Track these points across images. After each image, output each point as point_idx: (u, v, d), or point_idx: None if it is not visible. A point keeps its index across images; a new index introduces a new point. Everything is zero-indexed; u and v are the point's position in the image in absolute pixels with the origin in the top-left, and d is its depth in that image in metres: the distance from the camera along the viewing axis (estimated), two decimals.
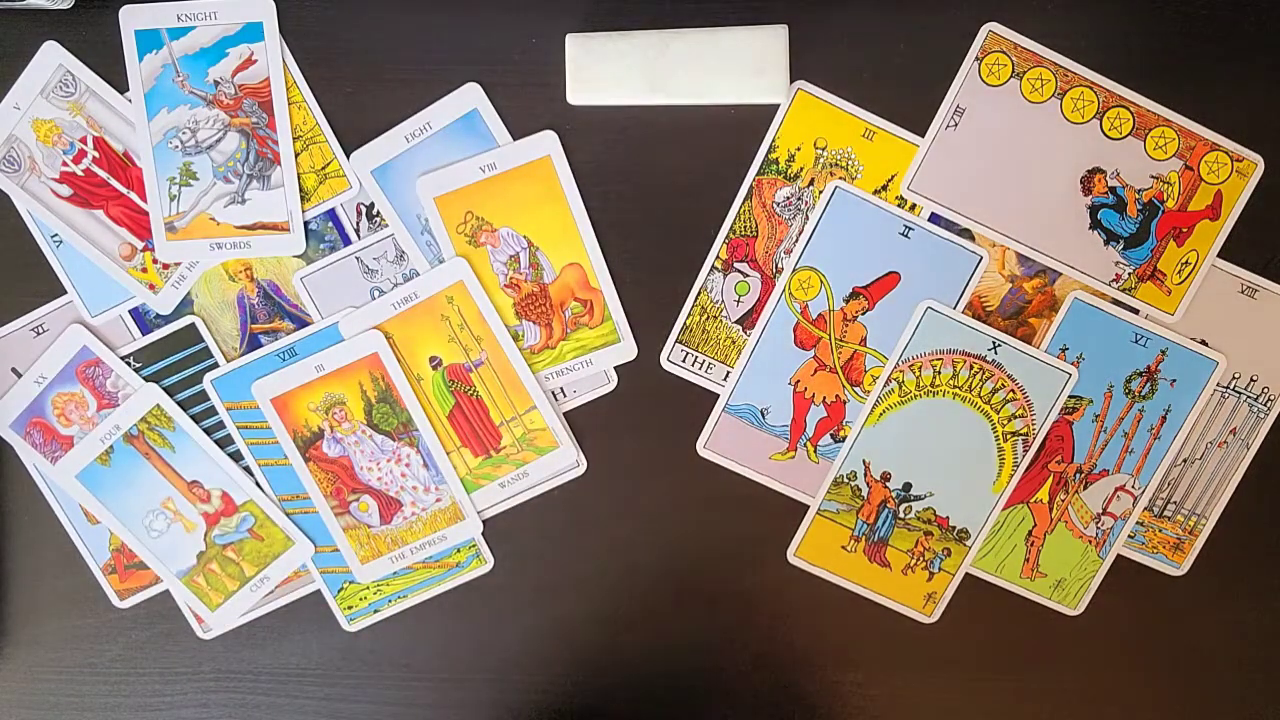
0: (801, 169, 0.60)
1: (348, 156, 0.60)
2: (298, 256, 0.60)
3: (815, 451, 0.61)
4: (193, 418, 0.61)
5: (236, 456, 0.62)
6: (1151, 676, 0.63)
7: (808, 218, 0.60)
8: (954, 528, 0.62)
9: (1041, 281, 0.60)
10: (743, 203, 0.60)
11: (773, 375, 0.61)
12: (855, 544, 0.62)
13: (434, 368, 0.61)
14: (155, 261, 0.60)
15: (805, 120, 0.59)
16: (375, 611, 0.63)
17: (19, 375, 0.61)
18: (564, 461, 0.62)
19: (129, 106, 0.59)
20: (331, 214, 0.60)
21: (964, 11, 0.59)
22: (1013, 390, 0.60)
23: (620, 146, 0.60)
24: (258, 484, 0.62)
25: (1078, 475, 0.61)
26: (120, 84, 0.59)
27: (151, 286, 0.60)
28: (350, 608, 0.63)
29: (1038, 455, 0.61)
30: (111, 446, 0.61)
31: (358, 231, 0.60)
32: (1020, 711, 0.63)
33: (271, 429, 0.61)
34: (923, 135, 0.59)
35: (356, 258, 0.60)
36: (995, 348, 0.60)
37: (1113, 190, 0.59)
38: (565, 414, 0.62)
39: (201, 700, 0.63)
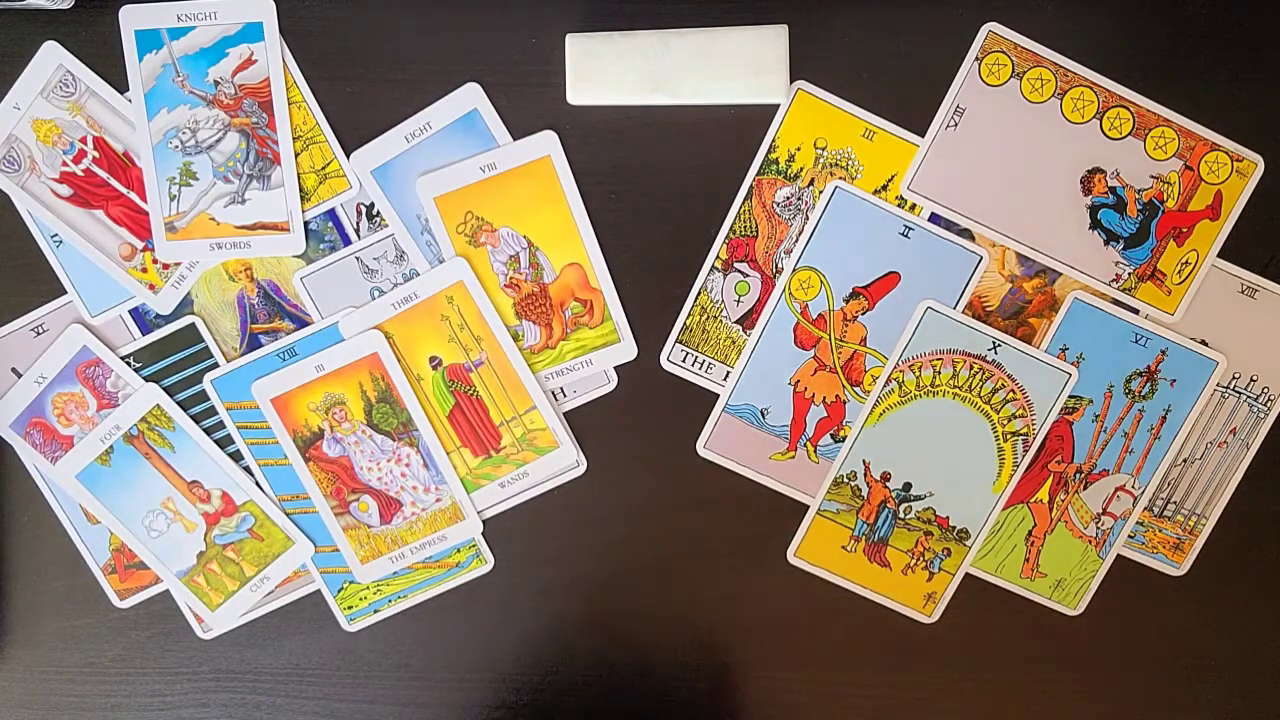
0: (801, 169, 0.60)
1: (348, 156, 0.60)
2: (298, 256, 0.60)
3: (815, 451, 0.61)
4: (193, 418, 0.61)
5: (236, 456, 0.62)
6: (1151, 676, 0.63)
7: (808, 218, 0.60)
8: (954, 528, 0.62)
9: (1041, 281, 0.60)
10: (743, 203, 0.60)
11: (773, 375, 0.61)
12: (855, 544, 0.62)
13: (434, 368, 0.61)
14: (155, 261, 0.60)
15: (805, 120, 0.59)
16: (375, 611, 0.63)
17: (19, 375, 0.61)
18: (564, 461, 0.62)
19: (129, 106, 0.59)
20: (331, 214, 0.60)
21: (964, 11, 0.59)
22: (1013, 390, 0.60)
23: (620, 146, 0.60)
24: (258, 484, 0.62)
25: (1078, 475, 0.61)
26: (120, 84, 0.59)
27: (151, 286, 0.60)
28: (350, 608, 0.63)
29: (1038, 455, 0.61)
30: (111, 446, 0.61)
31: (358, 231, 0.60)
32: (1020, 711, 0.63)
33: (271, 429, 0.61)
34: (923, 135, 0.59)
35: (356, 258, 0.60)
36: (995, 348, 0.60)
37: (1113, 190, 0.59)
38: (565, 414, 0.62)
39: (201, 700, 0.63)
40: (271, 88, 0.59)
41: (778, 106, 0.59)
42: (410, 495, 0.61)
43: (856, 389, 0.61)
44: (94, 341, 0.60)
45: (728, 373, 0.61)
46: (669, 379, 0.61)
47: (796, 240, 0.60)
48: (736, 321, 0.61)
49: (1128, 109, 0.59)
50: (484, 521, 0.62)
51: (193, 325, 0.61)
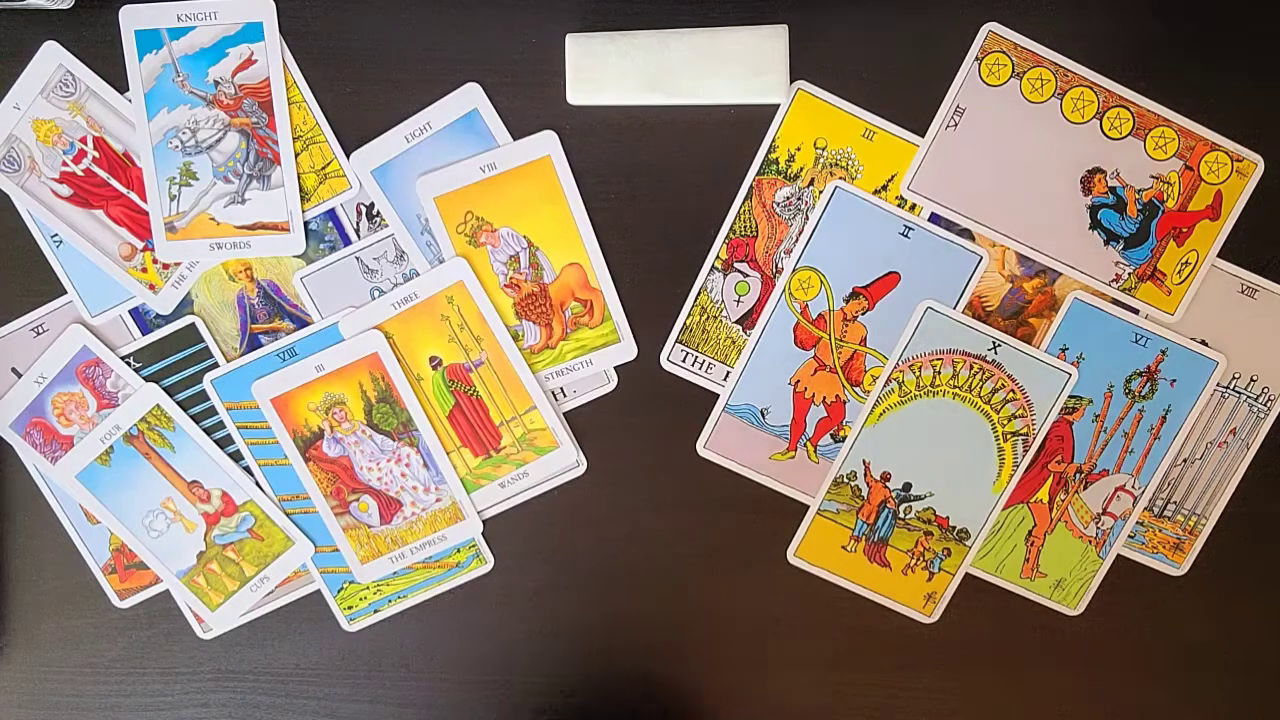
0: (801, 169, 0.60)
1: (348, 156, 0.60)
2: (298, 256, 0.60)
3: (815, 451, 0.61)
4: (193, 418, 0.61)
5: (236, 456, 0.62)
6: (1151, 676, 0.63)
7: (808, 218, 0.60)
8: (954, 528, 0.62)
9: (1041, 281, 0.60)
10: (743, 203, 0.60)
11: (773, 375, 0.61)
12: (855, 544, 0.62)
13: (434, 368, 0.61)
14: (155, 261, 0.60)
15: (805, 120, 0.59)
16: (375, 611, 0.63)
17: (19, 375, 0.61)
18: (564, 461, 0.62)
19: (129, 106, 0.59)
20: (331, 214, 0.60)
21: (964, 11, 0.59)
22: (1013, 390, 0.60)
23: (620, 146, 0.60)
24: (258, 484, 0.62)
25: (1078, 475, 0.61)
26: (120, 84, 0.59)
27: (151, 286, 0.60)
28: (350, 608, 0.63)
29: (1038, 455, 0.61)
30: (111, 446, 0.61)
31: (358, 231, 0.60)
32: (1020, 711, 0.63)
33: (271, 429, 0.61)
34: (923, 135, 0.59)
35: (356, 258, 0.60)
36: (995, 348, 0.60)
37: (1113, 190, 0.59)
38: (565, 414, 0.62)
39: (201, 700, 0.63)
40: (271, 88, 0.59)
41: (778, 106, 0.59)
42: (410, 495, 0.61)
43: (856, 389, 0.61)
44: (94, 341, 0.60)
45: (728, 373, 0.61)
46: (669, 379, 0.61)
47: (796, 240, 0.60)
48: (736, 321, 0.61)
49: (1128, 109, 0.59)
50: (484, 521, 0.62)
51: (193, 325, 0.61)
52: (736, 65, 0.56)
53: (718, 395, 0.61)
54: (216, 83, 0.59)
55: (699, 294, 0.61)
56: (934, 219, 0.60)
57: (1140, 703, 0.63)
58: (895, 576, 0.62)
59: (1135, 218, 0.59)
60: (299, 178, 0.60)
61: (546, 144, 0.59)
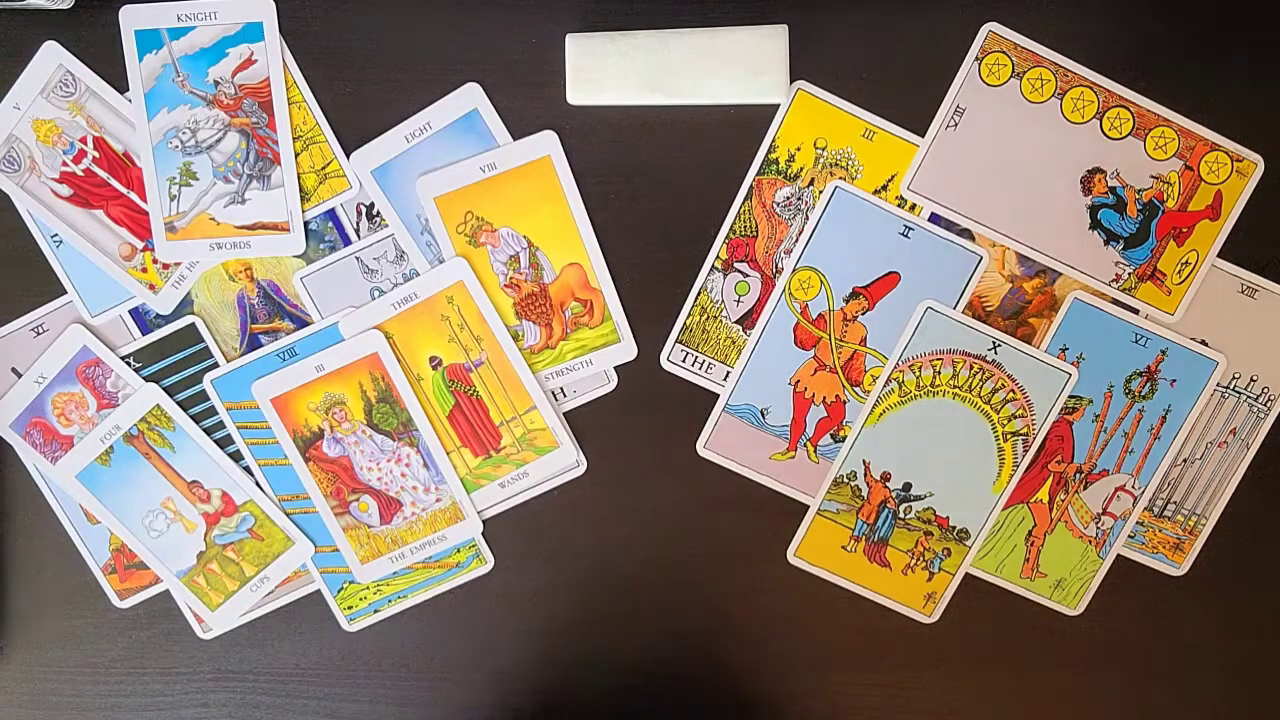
0: (801, 169, 0.60)
1: (348, 156, 0.60)
2: (298, 256, 0.60)
3: (815, 451, 0.61)
4: (193, 418, 0.61)
5: (236, 456, 0.62)
6: (1151, 676, 0.63)
7: (808, 218, 0.60)
8: (954, 528, 0.62)
9: (1041, 281, 0.60)
10: (743, 203, 0.60)
11: (773, 375, 0.61)
12: (855, 544, 0.62)
13: (434, 368, 0.61)
14: (155, 261, 0.60)
15: (805, 120, 0.59)
16: (375, 611, 0.63)
17: (19, 375, 0.61)
18: (564, 461, 0.62)
19: (129, 106, 0.59)
20: (331, 214, 0.60)
21: (964, 11, 0.59)
22: (1013, 390, 0.60)
23: (620, 146, 0.60)
24: (258, 484, 0.62)
25: (1078, 475, 0.61)
26: (120, 84, 0.59)
27: (151, 286, 0.60)
28: (350, 608, 0.63)
29: (1038, 455, 0.61)
30: (111, 446, 0.61)
31: (358, 231, 0.60)
32: (1020, 711, 0.63)
33: (271, 429, 0.61)
34: (923, 135, 0.59)
35: (356, 258, 0.60)
36: (995, 348, 0.60)
37: (1113, 190, 0.59)
38: (565, 414, 0.62)
39: (201, 700, 0.63)
40: (271, 88, 0.59)
41: (778, 106, 0.59)
42: (410, 495, 0.61)
43: (856, 389, 0.61)
44: (94, 341, 0.60)
45: (728, 373, 0.61)
46: (669, 379, 0.61)
47: (796, 240, 0.60)
48: (736, 321, 0.61)
49: (1128, 109, 0.59)
50: (484, 521, 0.62)
51: (193, 325, 0.61)
52: (736, 65, 0.56)
53: (718, 395, 0.61)
54: (216, 83, 0.59)
55: (699, 294, 0.61)
56: (934, 219, 0.60)
57: (1140, 703, 0.63)
58: (895, 576, 0.62)
59: (1135, 218, 0.59)
60: (299, 178, 0.60)
61: (546, 144, 0.59)
